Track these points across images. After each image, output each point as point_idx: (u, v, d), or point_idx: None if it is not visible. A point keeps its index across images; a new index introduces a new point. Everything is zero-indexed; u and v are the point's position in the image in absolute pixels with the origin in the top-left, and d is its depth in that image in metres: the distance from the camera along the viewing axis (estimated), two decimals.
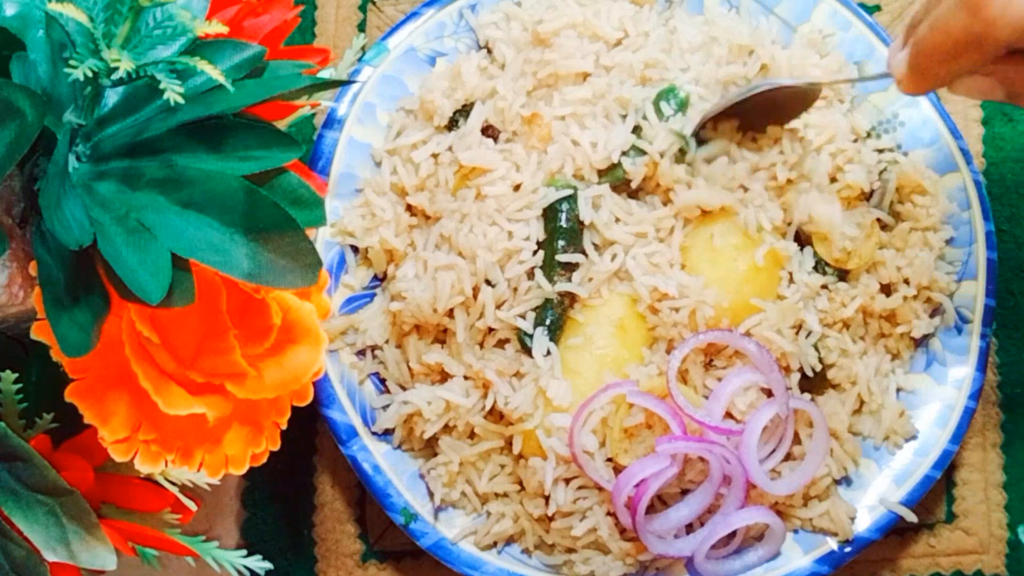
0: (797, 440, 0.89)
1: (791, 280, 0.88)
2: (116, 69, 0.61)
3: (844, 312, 0.89)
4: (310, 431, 0.95)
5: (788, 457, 0.89)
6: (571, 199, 0.87)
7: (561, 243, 0.86)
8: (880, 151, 0.94)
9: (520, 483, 0.89)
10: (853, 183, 0.90)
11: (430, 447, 0.91)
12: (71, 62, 0.61)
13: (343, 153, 0.93)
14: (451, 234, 0.87)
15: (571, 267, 0.87)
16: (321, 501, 0.95)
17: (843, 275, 0.90)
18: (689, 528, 0.88)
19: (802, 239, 0.90)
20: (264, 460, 0.72)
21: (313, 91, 0.74)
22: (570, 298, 0.87)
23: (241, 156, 0.68)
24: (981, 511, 0.95)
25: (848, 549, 0.89)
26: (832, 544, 0.89)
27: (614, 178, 0.88)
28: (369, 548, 0.95)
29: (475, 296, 0.87)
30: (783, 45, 0.95)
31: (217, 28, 0.63)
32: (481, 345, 0.88)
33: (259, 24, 0.75)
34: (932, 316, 0.93)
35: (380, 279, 0.93)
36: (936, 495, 0.95)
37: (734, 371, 0.87)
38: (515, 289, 0.86)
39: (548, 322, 0.86)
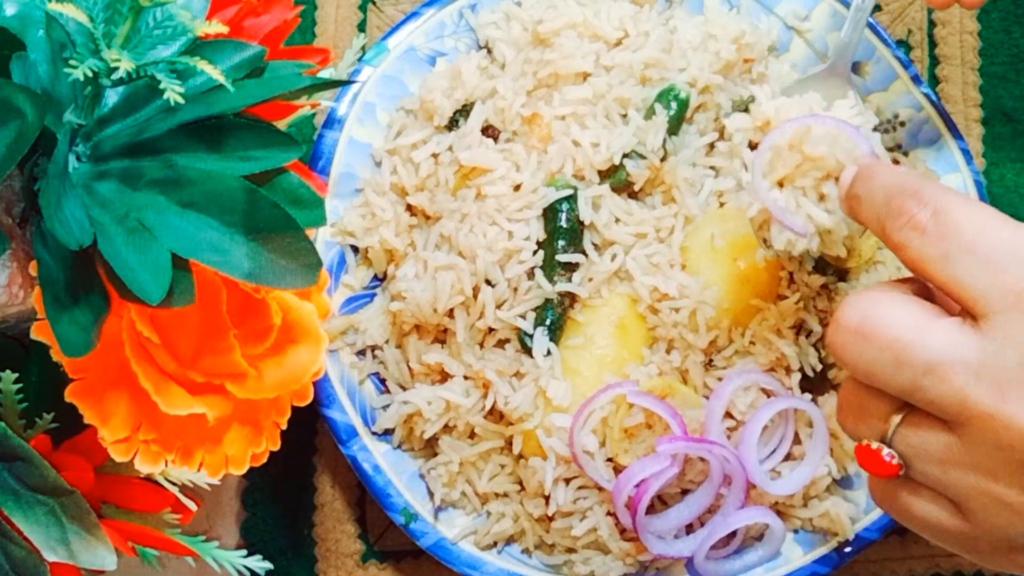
0: (797, 440, 0.89)
1: (791, 280, 0.88)
2: (116, 69, 0.61)
3: None
4: (310, 431, 0.95)
5: (788, 457, 0.89)
6: (571, 199, 0.87)
7: (561, 243, 0.86)
8: None
9: (520, 483, 0.89)
10: None
11: (430, 447, 0.91)
12: (71, 62, 0.61)
13: (343, 153, 0.93)
14: (451, 234, 0.87)
15: (571, 267, 0.87)
16: (321, 501, 0.95)
17: (843, 275, 0.90)
18: (689, 528, 0.88)
19: None
20: (264, 460, 0.72)
21: (313, 91, 0.74)
22: (570, 298, 0.87)
23: (241, 156, 0.68)
24: None
25: (848, 549, 0.89)
26: (832, 544, 0.89)
27: (617, 180, 0.88)
28: (369, 548, 0.95)
29: (475, 296, 0.87)
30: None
31: (217, 28, 0.63)
32: (481, 345, 0.88)
33: (259, 24, 0.75)
34: None
35: (380, 279, 0.93)
36: None
37: (734, 371, 0.87)
38: (515, 289, 0.86)
39: (548, 322, 0.86)
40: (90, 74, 0.61)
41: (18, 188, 0.69)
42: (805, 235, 0.76)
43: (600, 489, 0.86)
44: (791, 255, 0.79)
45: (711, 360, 0.88)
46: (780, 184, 0.78)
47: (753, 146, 0.81)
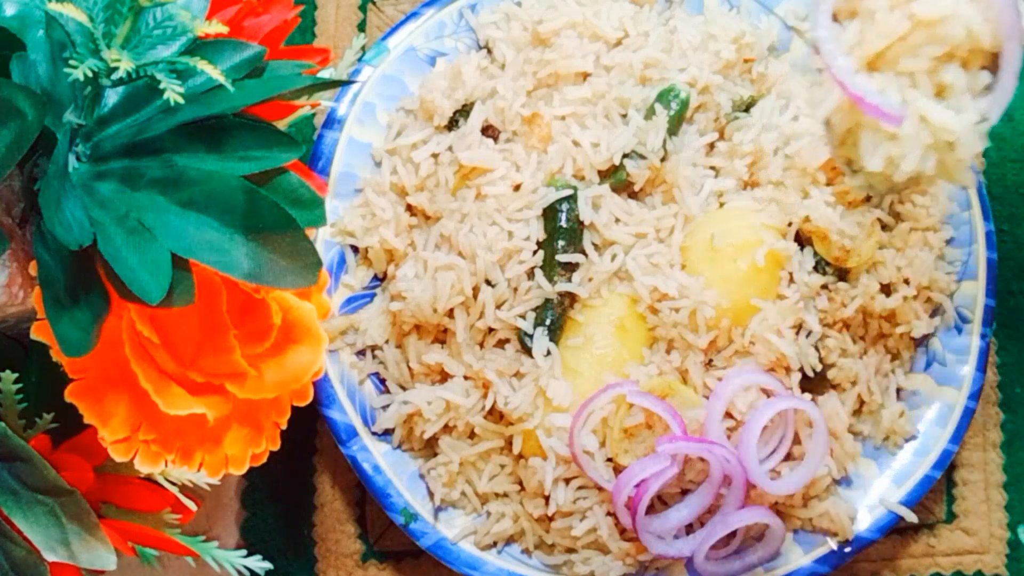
0: (797, 440, 0.89)
1: (791, 280, 0.88)
2: (116, 69, 0.61)
3: (844, 312, 0.89)
4: (310, 431, 0.95)
5: (788, 457, 0.89)
6: (571, 199, 0.87)
7: (561, 243, 0.86)
8: None
9: (520, 483, 0.89)
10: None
11: (430, 447, 0.91)
12: (71, 62, 0.61)
13: (343, 153, 0.93)
14: (451, 234, 0.87)
15: (571, 267, 0.87)
16: (321, 501, 0.95)
17: (843, 275, 0.90)
18: (689, 528, 0.88)
19: (802, 239, 0.90)
20: (264, 460, 0.72)
21: (313, 91, 0.74)
22: (570, 298, 0.87)
23: (241, 156, 0.68)
24: (981, 511, 0.95)
25: (848, 549, 0.89)
26: (832, 544, 0.89)
27: (617, 180, 0.88)
28: (369, 548, 0.95)
29: (475, 296, 0.87)
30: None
31: (217, 28, 0.63)
32: (481, 345, 0.88)
33: (259, 24, 0.75)
34: (932, 316, 0.93)
35: (380, 279, 0.93)
36: (936, 495, 0.95)
37: (734, 371, 0.87)
38: (515, 289, 0.87)
39: (548, 322, 0.86)
40: (90, 74, 0.61)
41: (18, 188, 0.69)
42: (917, 145, 0.51)
43: (600, 489, 0.86)
44: (891, 184, 0.54)
45: (711, 360, 0.88)
46: (872, 67, 0.54)
47: (835, 17, 0.56)
